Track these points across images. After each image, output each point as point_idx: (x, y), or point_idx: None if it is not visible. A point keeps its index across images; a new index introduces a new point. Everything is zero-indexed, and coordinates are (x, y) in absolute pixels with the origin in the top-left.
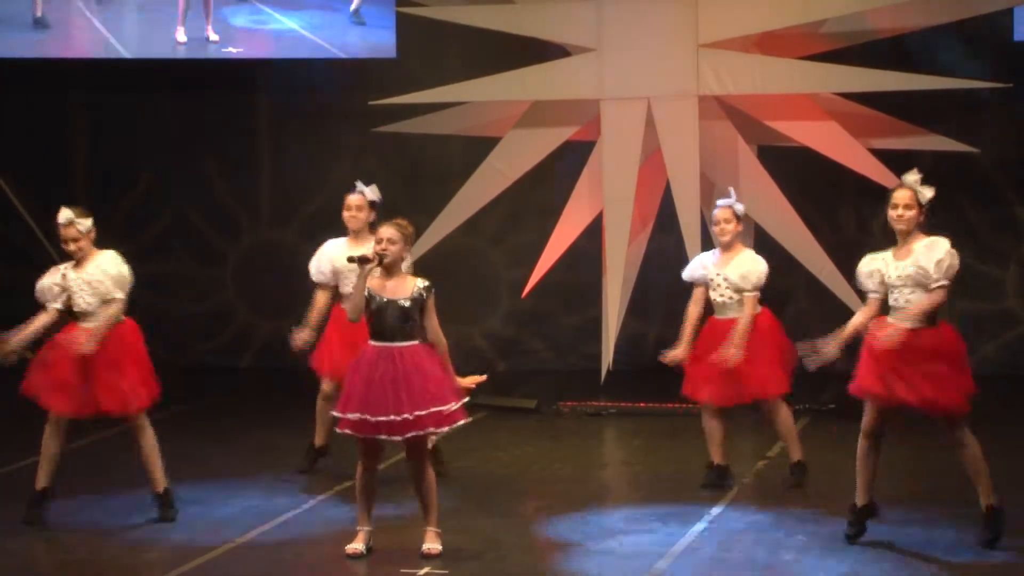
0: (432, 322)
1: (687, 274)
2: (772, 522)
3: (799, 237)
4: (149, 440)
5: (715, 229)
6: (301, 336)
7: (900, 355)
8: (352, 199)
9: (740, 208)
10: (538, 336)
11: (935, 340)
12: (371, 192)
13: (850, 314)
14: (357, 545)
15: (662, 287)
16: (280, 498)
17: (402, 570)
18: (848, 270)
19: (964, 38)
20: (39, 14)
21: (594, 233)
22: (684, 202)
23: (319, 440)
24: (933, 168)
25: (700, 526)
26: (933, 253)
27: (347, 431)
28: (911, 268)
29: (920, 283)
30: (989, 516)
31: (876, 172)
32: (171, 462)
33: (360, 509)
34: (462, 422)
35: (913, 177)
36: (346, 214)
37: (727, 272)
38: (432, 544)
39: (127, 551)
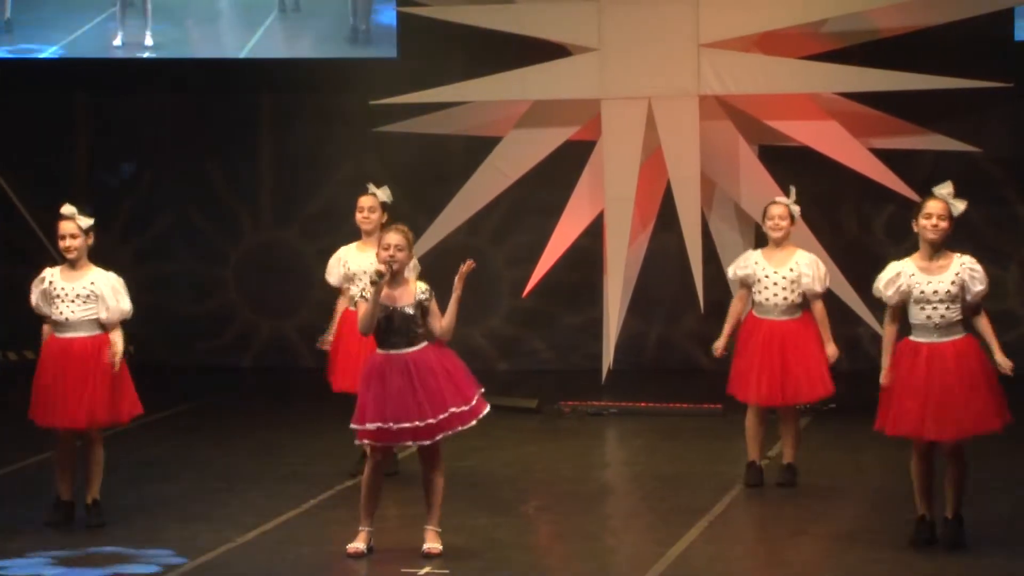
0: (435, 320)
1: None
2: (773, 522)
3: (800, 237)
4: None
5: (769, 224)
6: (327, 341)
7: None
8: (364, 200)
9: (796, 209)
10: (539, 336)
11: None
12: (383, 193)
13: (851, 313)
14: (358, 544)
15: (663, 287)
16: (281, 498)
17: (403, 570)
18: (849, 270)
19: (965, 38)
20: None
21: (595, 233)
22: (685, 202)
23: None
24: (934, 167)
25: (701, 525)
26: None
27: (366, 441)
28: (951, 285)
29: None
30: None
31: (877, 172)
32: (172, 461)
33: (363, 508)
34: (487, 410)
35: (947, 190)
36: (359, 216)
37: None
38: (433, 544)
39: (124, 550)
